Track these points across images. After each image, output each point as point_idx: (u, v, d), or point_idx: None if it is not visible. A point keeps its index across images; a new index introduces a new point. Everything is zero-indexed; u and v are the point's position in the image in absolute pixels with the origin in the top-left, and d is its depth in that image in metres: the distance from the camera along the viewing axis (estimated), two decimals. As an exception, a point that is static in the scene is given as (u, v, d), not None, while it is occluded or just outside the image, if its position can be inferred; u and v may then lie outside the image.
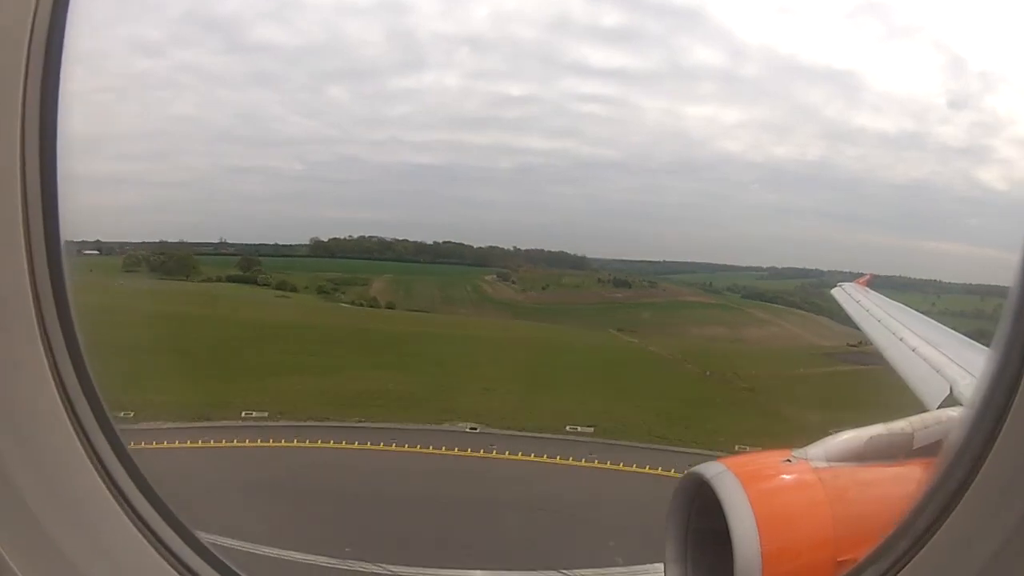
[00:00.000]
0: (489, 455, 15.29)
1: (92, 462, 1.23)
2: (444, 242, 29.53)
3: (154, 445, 12.59)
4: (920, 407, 3.67)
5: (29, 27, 1.10)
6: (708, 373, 21.37)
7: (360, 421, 16.27)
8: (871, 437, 2.85)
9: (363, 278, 28.58)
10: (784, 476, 2.73)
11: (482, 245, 29.19)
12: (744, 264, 29.49)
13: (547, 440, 15.95)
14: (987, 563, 1.19)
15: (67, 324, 1.22)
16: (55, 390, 1.19)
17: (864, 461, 2.75)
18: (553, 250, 29.15)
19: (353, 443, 15.36)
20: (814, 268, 26.25)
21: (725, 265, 29.72)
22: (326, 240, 29.46)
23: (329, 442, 15.28)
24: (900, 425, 2.91)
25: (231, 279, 27.62)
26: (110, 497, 1.25)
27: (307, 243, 29.75)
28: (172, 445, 14.01)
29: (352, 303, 27.56)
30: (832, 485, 2.59)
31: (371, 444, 15.41)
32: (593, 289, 28.77)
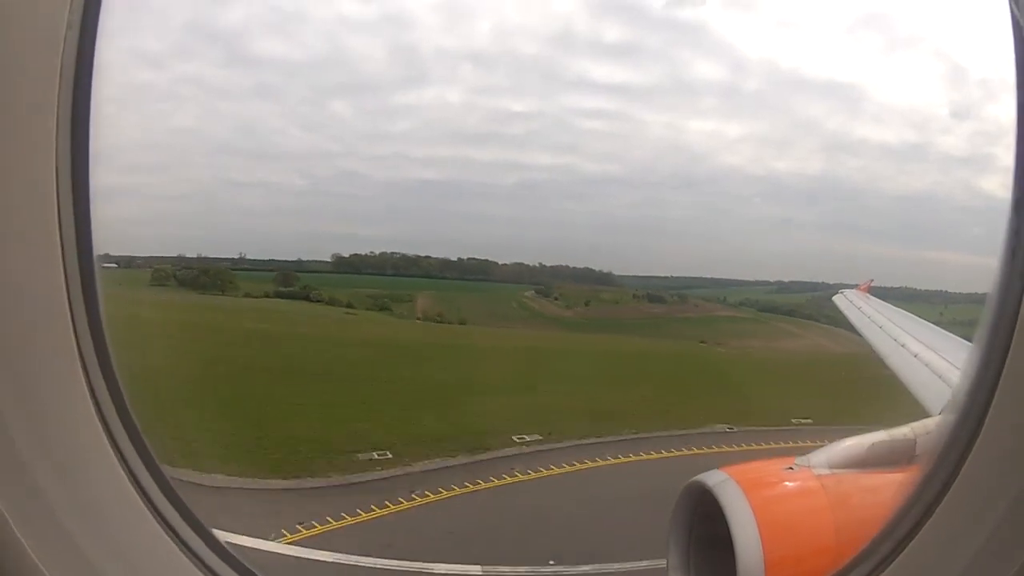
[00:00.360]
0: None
1: (118, 461, 1.26)
2: (469, 258, 29.47)
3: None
4: (922, 413, 3.67)
5: (61, 41, 1.12)
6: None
7: (635, 433, 15.19)
8: (873, 444, 2.85)
9: (406, 294, 28.44)
10: (786, 483, 2.74)
11: (507, 262, 29.21)
12: (751, 278, 29.48)
13: (783, 432, 15.17)
14: (967, 565, 1.21)
15: (98, 335, 1.24)
16: (88, 400, 1.22)
17: (867, 467, 2.76)
18: (578, 266, 29.13)
19: (661, 452, 14.43)
20: (820, 281, 26.14)
21: (733, 280, 29.71)
22: (348, 256, 29.31)
23: (639, 455, 14.19)
24: (902, 431, 2.92)
25: (280, 295, 26.94)
26: (135, 495, 1.28)
27: (323, 259, 29.58)
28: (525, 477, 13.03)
29: (424, 319, 26.95)
30: (834, 492, 2.59)
31: (674, 451, 14.47)
32: (630, 304, 28.63)
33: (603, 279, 29.08)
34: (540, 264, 28.65)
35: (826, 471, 2.72)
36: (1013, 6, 1.19)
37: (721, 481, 2.66)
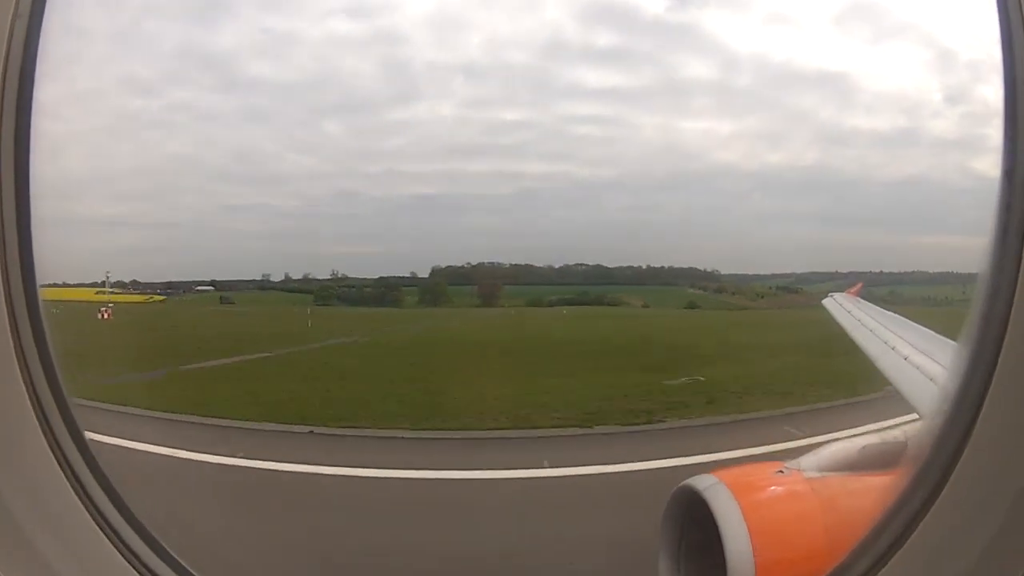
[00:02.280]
0: None
1: (55, 456, 1.24)
2: (622, 266, 29.54)
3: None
4: (914, 416, 3.64)
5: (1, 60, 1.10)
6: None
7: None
8: (864, 446, 2.83)
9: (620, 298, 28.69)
10: (777, 487, 2.71)
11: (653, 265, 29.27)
12: (768, 272, 29.55)
13: None
14: (963, 566, 1.18)
15: (39, 333, 1.23)
16: (27, 397, 1.20)
17: (857, 470, 2.73)
18: (682, 266, 29.15)
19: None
20: (834, 271, 26.21)
21: (754, 275, 29.79)
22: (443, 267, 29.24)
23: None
24: (893, 434, 2.90)
25: (566, 302, 27.50)
26: (75, 497, 1.26)
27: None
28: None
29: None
30: (825, 495, 2.57)
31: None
32: (774, 298, 29.23)
33: (708, 277, 28.88)
34: (662, 266, 28.25)
35: (816, 474, 2.70)
36: None
37: (711, 485, 2.63)
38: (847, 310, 7.40)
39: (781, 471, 2.75)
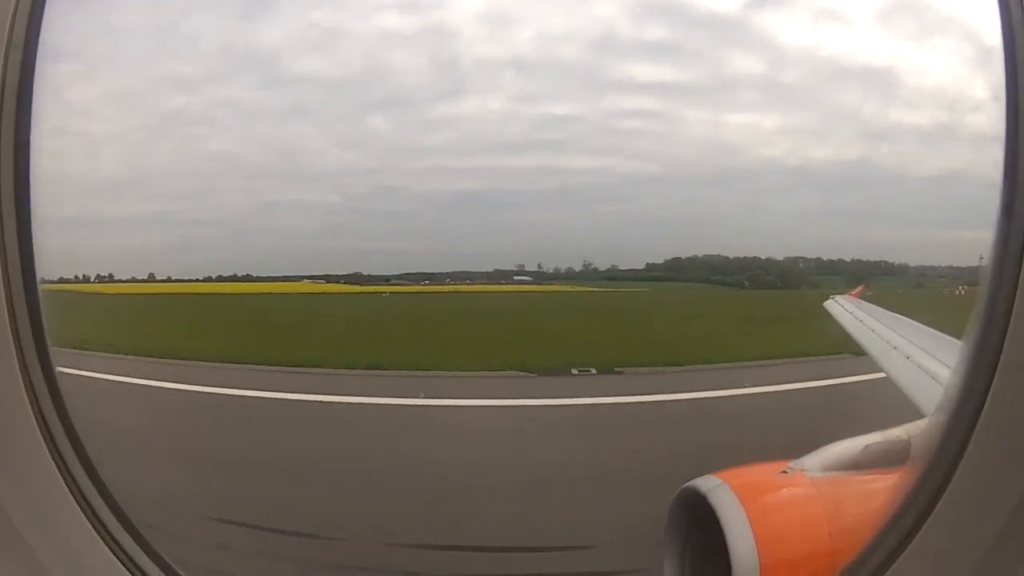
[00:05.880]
0: None
1: (52, 456, 1.25)
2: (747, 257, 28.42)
3: None
4: (916, 414, 3.64)
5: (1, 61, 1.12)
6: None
7: None
8: (867, 445, 2.83)
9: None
10: (780, 488, 2.71)
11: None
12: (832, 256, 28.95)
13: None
14: (970, 565, 1.18)
15: (41, 342, 1.24)
16: (28, 405, 1.21)
17: (861, 469, 2.73)
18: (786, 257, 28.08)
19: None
20: (882, 260, 25.92)
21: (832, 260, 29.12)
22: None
23: None
24: (896, 432, 2.90)
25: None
26: (70, 497, 1.27)
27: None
28: None
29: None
30: (828, 495, 2.57)
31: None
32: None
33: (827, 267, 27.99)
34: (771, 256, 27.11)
35: (819, 474, 2.70)
36: None
37: (715, 487, 2.63)
38: (849, 312, 7.40)
39: (784, 471, 2.75)
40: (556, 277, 27.88)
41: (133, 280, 23.61)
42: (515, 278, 27.87)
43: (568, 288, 26.18)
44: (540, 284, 27.18)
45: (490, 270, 27.06)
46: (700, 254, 27.99)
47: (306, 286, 25.86)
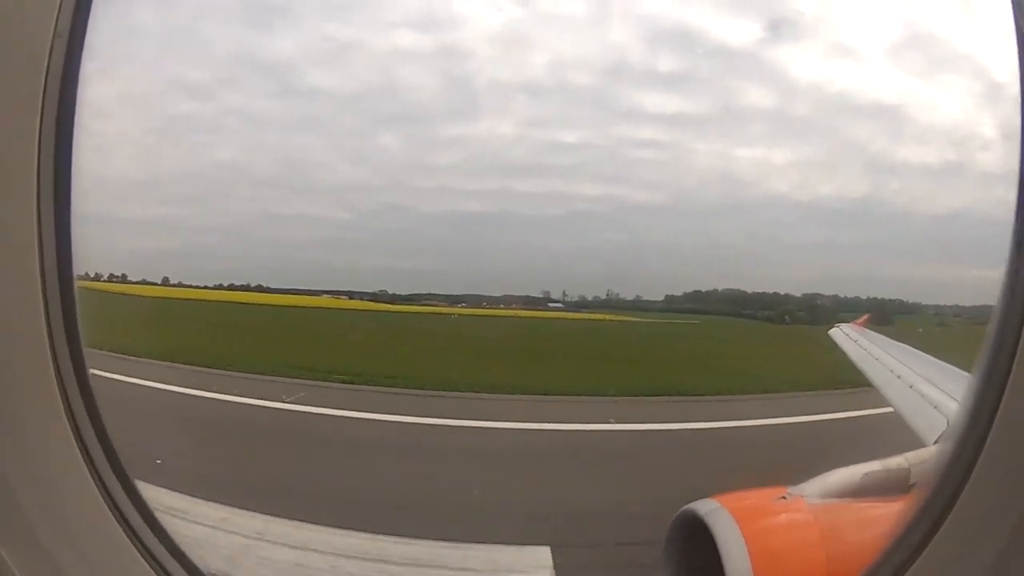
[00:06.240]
0: None
1: (92, 477, 1.25)
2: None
3: None
4: (918, 443, 3.63)
5: (46, 59, 1.13)
6: None
7: None
8: (867, 473, 2.83)
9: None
10: (779, 513, 2.70)
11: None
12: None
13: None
14: None
15: (78, 357, 1.24)
16: (65, 420, 1.22)
17: (860, 497, 2.73)
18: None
19: None
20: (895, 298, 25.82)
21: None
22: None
23: None
24: (896, 461, 2.89)
25: None
26: (105, 508, 1.27)
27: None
28: None
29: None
30: (826, 522, 2.56)
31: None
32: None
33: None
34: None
35: (819, 501, 2.69)
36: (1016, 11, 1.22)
37: (713, 510, 2.63)
38: (854, 340, 7.39)
39: (783, 497, 2.75)
40: (584, 305, 28.09)
41: (144, 282, 23.67)
42: (550, 305, 28.05)
43: (607, 317, 26.11)
44: (573, 312, 27.08)
45: (499, 294, 27.29)
46: (720, 287, 28.13)
47: (327, 300, 25.79)
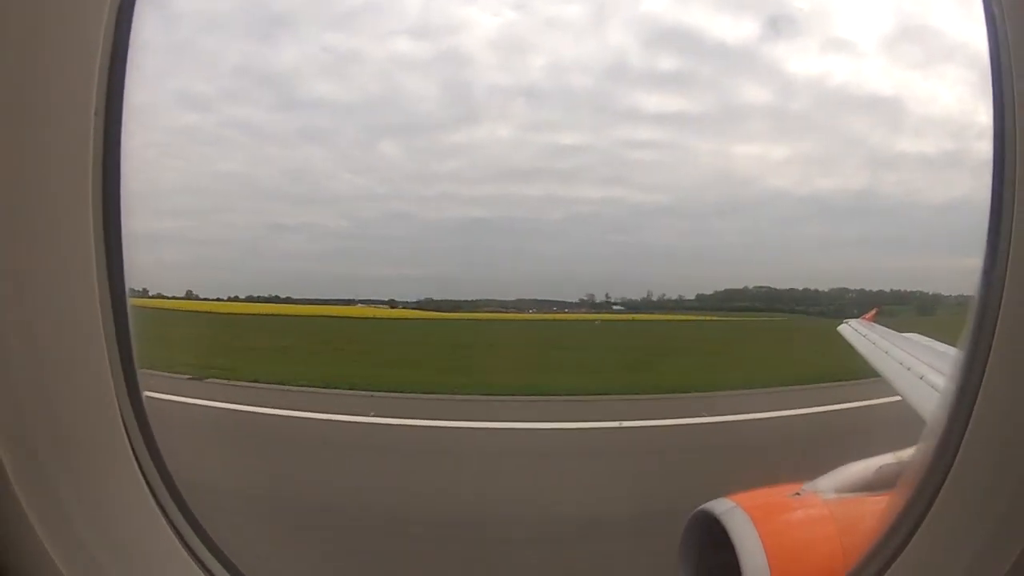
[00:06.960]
0: None
1: (148, 492, 1.27)
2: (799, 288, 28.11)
3: None
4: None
5: (95, 75, 1.14)
6: None
7: None
8: (880, 467, 2.83)
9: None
10: (794, 510, 2.71)
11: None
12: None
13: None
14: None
15: (130, 371, 1.26)
16: (124, 438, 1.23)
17: (874, 491, 2.73)
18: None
19: None
20: (891, 290, 25.66)
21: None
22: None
23: None
24: (910, 454, 2.89)
25: None
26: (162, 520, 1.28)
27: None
28: None
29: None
30: (842, 516, 2.56)
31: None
32: None
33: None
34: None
35: (833, 496, 2.70)
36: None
37: (728, 509, 2.64)
38: (862, 334, 7.36)
39: (798, 493, 2.75)
40: (633, 307, 27.67)
41: (160, 296, 23.75)
42: (614, 308, 27.49)
43: (670, 317, 25.90)
44: (631, 313, 26.73)
45: (512, 298, 27.15)
46: (750, 285, 27.93)
47: (360, 310, 25.64)
